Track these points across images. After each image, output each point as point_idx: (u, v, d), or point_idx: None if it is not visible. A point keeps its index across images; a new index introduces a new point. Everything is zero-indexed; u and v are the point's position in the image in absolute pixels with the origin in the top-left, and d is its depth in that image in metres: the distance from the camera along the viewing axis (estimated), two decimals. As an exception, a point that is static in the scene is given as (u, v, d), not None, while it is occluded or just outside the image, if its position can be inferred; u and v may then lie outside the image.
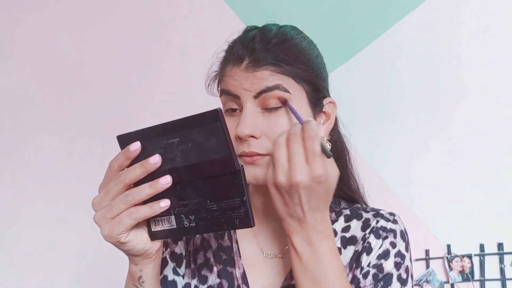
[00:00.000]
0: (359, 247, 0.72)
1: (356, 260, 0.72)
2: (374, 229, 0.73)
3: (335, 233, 0.75)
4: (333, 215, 0.77)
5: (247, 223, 0.56)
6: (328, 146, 0.72)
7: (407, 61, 1.57)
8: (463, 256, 1.54)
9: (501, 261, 1.53)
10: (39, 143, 1.60)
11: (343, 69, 1.58)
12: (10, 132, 1.60)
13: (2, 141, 1.60)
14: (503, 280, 1.52)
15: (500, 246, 1.53)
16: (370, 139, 1.56)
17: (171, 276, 0.78)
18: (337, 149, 0.80)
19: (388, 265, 0.70)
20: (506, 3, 1.54)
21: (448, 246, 1.55)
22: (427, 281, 1.54)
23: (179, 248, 0.81)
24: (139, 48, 1.63)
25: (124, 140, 0.59)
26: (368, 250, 0.71)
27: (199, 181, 0.57)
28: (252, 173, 0.66)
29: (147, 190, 0.56)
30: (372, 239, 0.72)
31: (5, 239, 1.57)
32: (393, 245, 0.71)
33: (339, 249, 0.74)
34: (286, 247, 0.75)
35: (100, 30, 1.64)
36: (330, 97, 0.76)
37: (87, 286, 1.56)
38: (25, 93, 1.61)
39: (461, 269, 1.53)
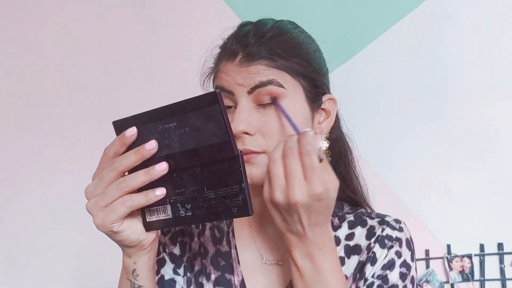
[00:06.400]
0: (363, 257, 0.70)
1: (360, 270, 0.69)
2: (379, 238, 0.70)
3: (339, 240, 0.72)
4: (336, 220, 0.74)
5: (245, 211, 0.53)
6: (325, 157, 0.63)
7: (407, 61, 1.57)
8: (463, 256, 1.54)
9: (501, 261, 1.53)
10: (39, 143, 1.59)
11: (343, 68, 1.58)
12: (10, 132, 1.60)
13: (2, 141, 1.60)
14: (503, 280, 1.52)
15: (500, 246, 1.53)
16: (370, 138, 1.56)
17: (168, 276, 0.75)
18: (339, 149, 0.78)
19: (393, 276, 0.67)
20: (506, 3, 1.54)
21: (448, 246, 1.55)
22: (427, 281, 1.53)
23: (178, 250, 0.78)
24: (138, 47, 1.63)
25: (120, 126, 0.57)
26: (373, 260, 0.69)
27: (196, 168, 0.55)
28: (248, 172, 0.62)
29: (142, 177, 0.54)
30: (377, 248, 0.69)
31: (5, 239, 1.57)
32: (399, 254, 0.69)
33: (343, 258, 0.71)
34: (287, 255, 0.71)
35: (99, 29, 1.63)
36: (330, 93, 0.73)
37: (87, 286, 1.56)
38: (24, 93, 1.61)
39: (461, 269, 1.53)
